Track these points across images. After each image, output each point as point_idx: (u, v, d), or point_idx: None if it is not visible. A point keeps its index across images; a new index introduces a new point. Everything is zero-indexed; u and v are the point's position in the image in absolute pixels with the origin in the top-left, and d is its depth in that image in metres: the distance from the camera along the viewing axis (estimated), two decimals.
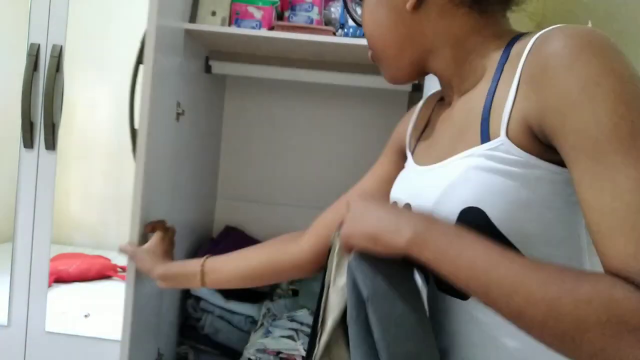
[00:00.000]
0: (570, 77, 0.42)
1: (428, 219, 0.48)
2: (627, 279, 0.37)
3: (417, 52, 0.59)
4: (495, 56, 0.54)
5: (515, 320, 0.41)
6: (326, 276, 0.62)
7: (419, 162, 0.63)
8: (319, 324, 0.62)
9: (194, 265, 0.87)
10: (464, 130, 0.55)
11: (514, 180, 0.47)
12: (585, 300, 0.37)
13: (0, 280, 1.41)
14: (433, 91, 0.76)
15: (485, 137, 0.50)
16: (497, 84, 0.51)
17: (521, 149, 0.47)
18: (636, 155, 0.39)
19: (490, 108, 0.51)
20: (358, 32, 1.37)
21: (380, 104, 1.81)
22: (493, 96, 0.51)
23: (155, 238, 0.98)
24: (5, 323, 1.38)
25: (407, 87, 1.59)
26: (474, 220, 0.48)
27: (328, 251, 0.62)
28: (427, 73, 0.62)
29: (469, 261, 0.43)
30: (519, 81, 0.48)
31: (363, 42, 1.30)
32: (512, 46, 0.53)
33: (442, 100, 0.69)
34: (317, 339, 0.62)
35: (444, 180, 0.52)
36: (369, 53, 0.65)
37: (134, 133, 1.04)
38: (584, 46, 0.43)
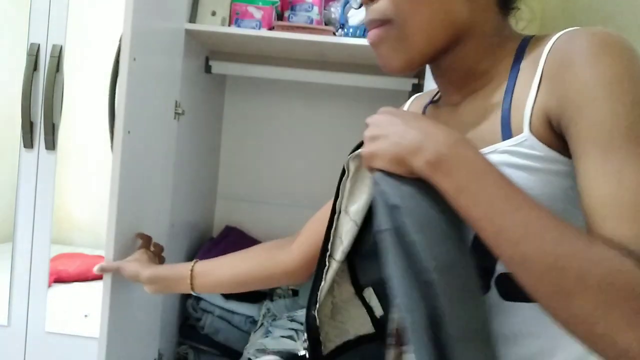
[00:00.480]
0: (593, 73, 0.44)
1: (457, 143, 0.46)
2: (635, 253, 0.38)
3: (451, 37, 0.55)
4: (509, 57, 0.55)
5: (515, 266, 0.41)
6: (337, 203, 0.59)
7: None
8: (327, 255, 0.60)
9: (183, 268, 0.86)
10: (481, 128, 0.54)
11: (537, 175, 0.47)
12: (595, 260, 0.38)
13: (0, 280, 1.41)
14: (414, 95, 0.76)
15: (507, 133, 0.50)
16: (514, 82, 0.52)
17: (544, 144, 0.47)
18: None
19: (510, 106, 0.51)
20: (358, 32, 1.37)
21: (380, 104, 1.80)
22: (512, 94, 0.51)
23: (140, 249, 0.99)
24: (5, 323, 1.38)
25: (407, 87, 1.59)
26: None
27: (340, 176, 0.59)
28: (430, 62, 0.59)
29: (488, 200, 0.42)
30: (540, 78, 0.49)
31: (363, 42, 1.30)
32: (523, 48, 0.54)
33: (433, 103, 0.68)
34: (324, 271, 0.60)
35: None
36: (375, 32, 0.57)
37: (112, 131, 1.02)
38: (608, 46, 0.44)
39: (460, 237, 0.46)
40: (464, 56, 0.57)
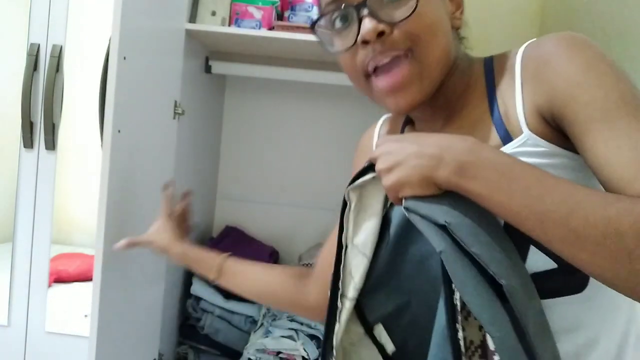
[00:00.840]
0: (571, 63, 0.48)
1: (474, 146, 0.46)
2: None
3: (448, 68, 0.58)
4: (479, 77, 0.58)
5: (569, 245, 0.41)
6: (342, 236, 0.57)
7: None
8: (339, 295, 0.57)
9: (212, 260, 0.86)
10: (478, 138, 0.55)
11: (547, 171, 0.47)
12: None
13: (0, 280, 1.41)
14: (383, 117, 0.77)
15: (507, 139, 0.52)
16: (494, 95, 0.55)
17: (545, 140, 0.50)
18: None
19: (500, 115, 0.53)
20: None
21: (380, 104, 1.81)
22: (497, 105, 0.54)
23: (164, 216, 0.95)
24: (5, 323, 1.38)
25: None
26: None
27: (342, 209, 0.57)
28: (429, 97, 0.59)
29: (522, 190, 0.42)
30: (521, 83, 0.52)
31: None
32: (490, 67, 0.58)
33: (411, 124, 0.68)
34: (338, 313, 0.57)
35: None
36: (400, 68, 0.54)
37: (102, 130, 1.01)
38: (575, 42, 0.50)
39: (504, 238, 0.46)
40: (448, 84, 0.59)
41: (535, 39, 0.54)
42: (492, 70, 0.58)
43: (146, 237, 0.93)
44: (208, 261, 0.86)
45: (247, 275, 0.85)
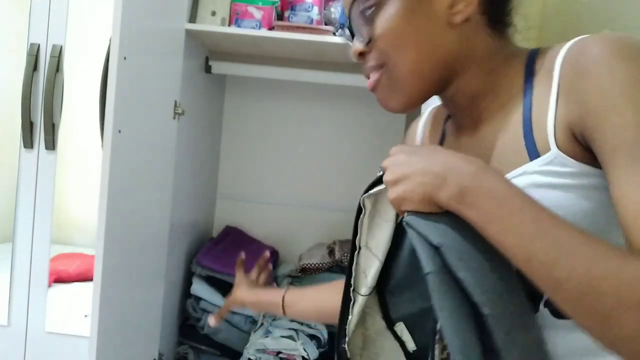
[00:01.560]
0: (610, 80, 0.43)
1: (479, 172, 0.45)
2: None
3: (445, 71, 0.56)
4: (518, 75, 0.54)
5: (551, 292, 0.40)
6: (356, 240, 0.59)
7: None
8: (351, 290, 0.60)
9: (276, 297, 0.89)
10: (505, 150, 0.53)
11: (573, 192, 0.46)
12: (629, 280, 0.37)
13: (0, 280, 1.41)
14: (433, 106, 0.73)
15: (533, 153, 0.49)
16: (531, 100, 0.51)
17: (574, 159, 0.46)
18: None
19: (531, 124, 0.50)
20: None
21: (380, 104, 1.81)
22: (530, 112, 0.50)
23: (240, 273, 0.99)
24: (5, 323, 1.38)
25: None
26: None
27: (357, 213, 0.58)
28: (430, 97, 0.59)
29: (515, 226, 0.42)
30: (557, 92, 0.48)
31: None
32: (532, 63, 0.53)
33: (451, 118, 0.67)
34: (351, 305, 0.60)
35: None
36: (373, 76, 0.58)
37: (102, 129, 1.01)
38: (621, 51, 0.44)
39: (502, 264, 0.45)
40: (466, 84, 0.57)
41: (581, 37, 0.48)
42: (532, 68, 0.52)
43: (228, 305, 0.97)
44: (274, 300, 0.89)
45: (303, 302, 0.88)
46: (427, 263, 0.45)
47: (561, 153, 0.47)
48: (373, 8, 0.55)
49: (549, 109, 0.48)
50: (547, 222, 0.41)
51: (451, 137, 0.65)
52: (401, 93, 0.57)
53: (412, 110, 0.59)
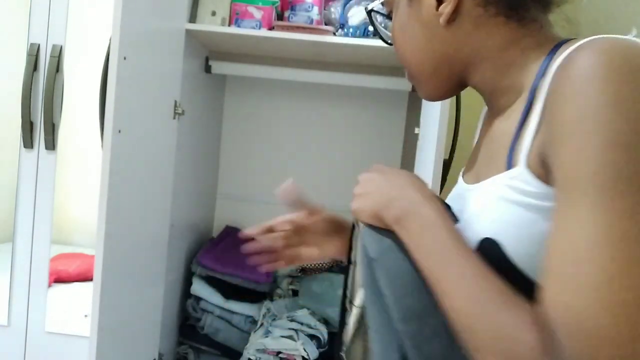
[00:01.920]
0: (574, 105, 0.38)
1: (422, 201, 0.49)
2: (548, 326, 0.36)
3: (455, 67, 0.56)
4: (534, 68, 0.49)
5: (449, 318, 0.44)
6: (352, 255, 0.63)
7: (465, 178, 0.61)
8: (347, 302, 0.63)
9: None
10: (496, 152, 0.52)
11: (535, 212, 0.44)
12: (499, 326, 0.39)
13: (0, 280, 1.41)
14: None
15: (509, 165, 0.48)
16: (531, 104, 0.47)
17: (539, 180, 0.43)
18: (608, 207, 0.35)
19: (520, 133, 0.48)
20: (358, 32, 1.37)
21: (380, 104, 1.81)
22: (525, 119, 0.48)
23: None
24: (5, 323, 1.38)
25: (407, 87, 1.59)
26: (489, 252, 0.46)
27: (351, 231, 0.63)
28: (466, 86, 0.59)
29: (430, 253, 0.46)
30: (544, 105, 0.44)
31: (363, 42, 1.30)
32: (552, 56, 0.48)
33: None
34: (347, 315, 0.63)
35: (472, 206, 0.52)
36: (406, 72, 0.62)
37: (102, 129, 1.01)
38: (609, 64, 0.38)
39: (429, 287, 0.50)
40: (480, 80, 0.56)
41: (582, 43, 0.42)
42: (549, 64, 0.47)
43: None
44: None
45: None
46: (362, 275, 0.51)
47: (527, 171, 0.44)
48: (387, 19, 0.61)
49: (532, 123, 0.46)
50: (454, 254, 0.44)
51: (483, 127, 0.65)
52: (422, 88, 0.61)
53: (447, 98, 0.63)
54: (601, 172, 0.36)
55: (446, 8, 0.52)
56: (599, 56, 0.38)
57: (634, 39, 0.41)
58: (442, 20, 0.52)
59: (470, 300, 0.42)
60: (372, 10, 0.63)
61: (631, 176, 0.35)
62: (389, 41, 0.63)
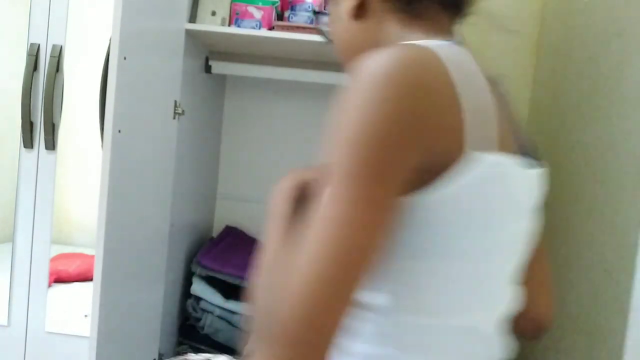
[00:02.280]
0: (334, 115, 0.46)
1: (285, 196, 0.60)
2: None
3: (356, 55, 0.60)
4: None
5: None
6: None
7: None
8: None
9: None
10: None
11: None
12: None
13: (0, 280, 1.41)
14: None
15: None
16: None
17: None
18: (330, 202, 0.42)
19: None
20: None
21: None
22: None
23: None
24: (5, 323, 1.38)
25: None
26: None
27: None
28: None
29: (271, 241, 0.54)
30: None
31: None
32: None
33: None
34: None
35: None
36: None
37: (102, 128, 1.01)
38: (354, 79, 0.45)
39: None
40: None
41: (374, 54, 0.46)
42: None
43: None
44: None
45: None
46: None
47: None
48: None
49: None
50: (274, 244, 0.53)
51: None
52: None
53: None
54: (342, 165, 0.43)
55: (347, 4, 0.59)
56: (360, 66, 0.46)
57: (421, 44, 0.48)
58: (347, 15, 0.60)
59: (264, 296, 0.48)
60: (317, 11, 0.70)
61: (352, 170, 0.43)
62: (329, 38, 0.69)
